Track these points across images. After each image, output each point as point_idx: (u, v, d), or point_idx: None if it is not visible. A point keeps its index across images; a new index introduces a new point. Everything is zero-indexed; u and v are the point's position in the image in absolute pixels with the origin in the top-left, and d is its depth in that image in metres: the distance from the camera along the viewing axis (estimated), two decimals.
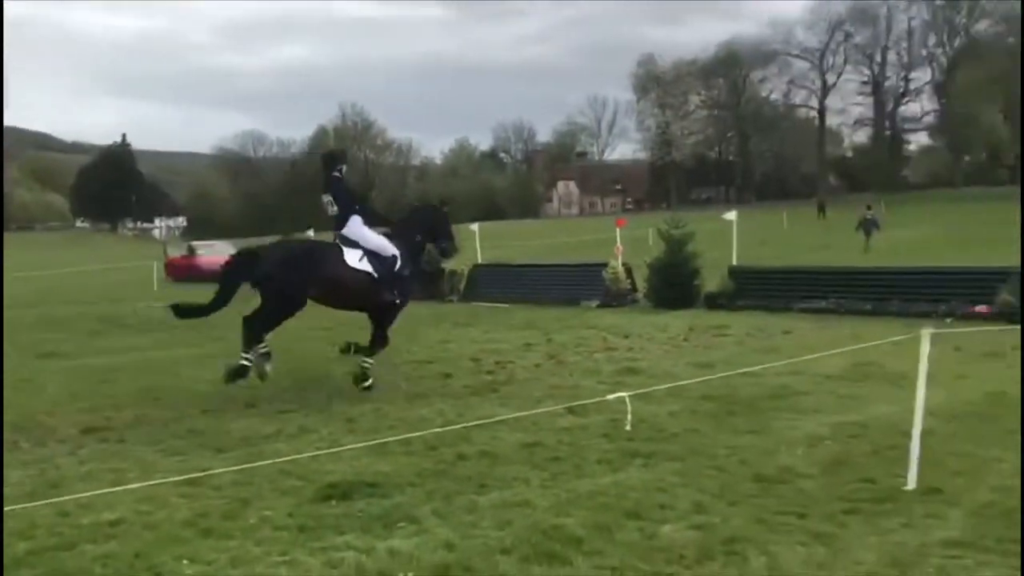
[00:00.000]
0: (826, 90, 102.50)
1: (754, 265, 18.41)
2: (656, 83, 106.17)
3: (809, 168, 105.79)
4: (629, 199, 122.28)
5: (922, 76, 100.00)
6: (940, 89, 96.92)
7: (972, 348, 10.40)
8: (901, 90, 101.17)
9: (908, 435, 5.78)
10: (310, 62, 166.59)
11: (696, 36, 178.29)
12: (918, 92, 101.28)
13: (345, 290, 9.37)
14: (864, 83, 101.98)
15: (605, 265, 18.15)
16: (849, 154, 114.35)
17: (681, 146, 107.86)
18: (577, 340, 12.91)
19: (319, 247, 9.63)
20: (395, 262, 9.61)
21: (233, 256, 9.44)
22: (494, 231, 54.69)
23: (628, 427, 6.14)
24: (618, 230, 18.98)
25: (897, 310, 14.05)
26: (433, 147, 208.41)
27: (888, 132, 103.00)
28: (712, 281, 16.83)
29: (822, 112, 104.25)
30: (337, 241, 9.56)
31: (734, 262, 17.38)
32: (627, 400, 5.51)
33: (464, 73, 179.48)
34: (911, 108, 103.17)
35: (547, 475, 6.15)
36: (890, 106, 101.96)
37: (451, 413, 8.26)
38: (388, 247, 9.62)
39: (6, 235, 74.61)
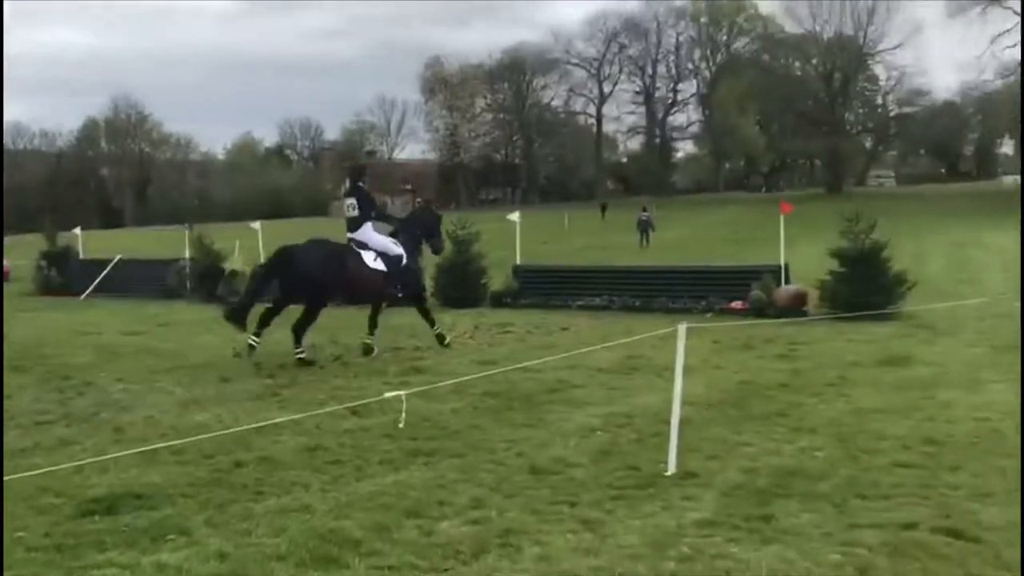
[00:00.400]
0: (603, 98, 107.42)
1: (537, 264, 18.98)
2: (443, 85, 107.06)
3: (588, 172, 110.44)
4: (419, 199, 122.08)
5: (689, 88, 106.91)
6: (704, 101, 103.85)
7: (728, 341, 11.24)
8: (670, 101, 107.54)
9: (669, 423, 6.14)
10: (84, 49, 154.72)
11: (482, 41, 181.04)
12: (685, 103, 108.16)
13: (364, 287, 10.98)
14: (637, 93, 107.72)
15: None
16: (624, 160, 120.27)
17: (469, 148, 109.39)
18: (363, 341, 12.76)
19: (346, 249, 10.93)
20: (400, 260, 11.15)
21: (272, 257, 10.88)
22: (279, 230, 53.16)
23: (401, 425, 6.16)
24: None
25: (664, 306, 14.91)
26: (215, 142, 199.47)
27: (659, 140, 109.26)
28: (498, 280, 17.18)
29: (599, 119, 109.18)
30: (352, 244, 10.88)
31: (518, 261, 17.82)
32: (403, 398, 5.52)
33: (248, 66, 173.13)
34: (679, 118, 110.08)
35: (327, 478, 6.05)
36: (660, 115, 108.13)
37: (229, 419, 7.95)
38: (393, 247, 11.14)
39: None
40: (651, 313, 14.54)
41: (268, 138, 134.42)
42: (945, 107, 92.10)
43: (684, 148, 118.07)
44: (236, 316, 10.64)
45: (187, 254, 21.10)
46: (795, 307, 13.66)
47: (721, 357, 10.32)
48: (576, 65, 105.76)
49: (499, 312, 15.66)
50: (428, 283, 17.58)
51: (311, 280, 10.53)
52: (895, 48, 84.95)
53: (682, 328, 6.24)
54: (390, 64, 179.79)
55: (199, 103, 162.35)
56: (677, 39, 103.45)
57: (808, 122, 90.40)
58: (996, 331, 11.48)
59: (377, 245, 11.08)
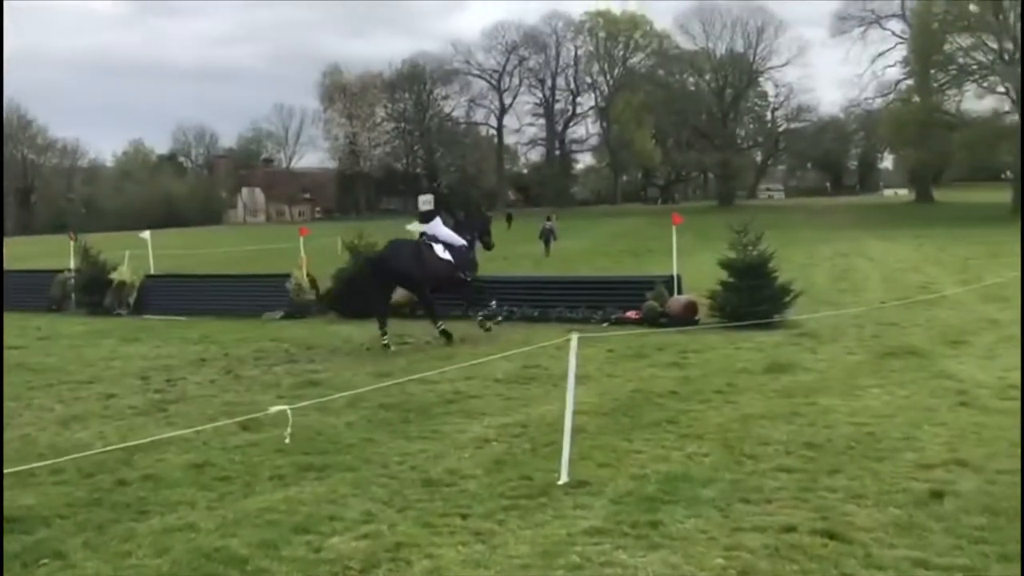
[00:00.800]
0: (504, 110, 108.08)
1: None
2: (343, 93, 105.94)
3: (490, 183, 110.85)
4: (318, 208, 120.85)
5: (587, 101, 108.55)
6: (603, 114, 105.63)
7: (622, 350, 11.43)
8: (569, 113, 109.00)
9: (563, 432, 6.21)
10: None
11: (382, 50, 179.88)
12: (584, 116, 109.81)
13: (438, 274, 12.89)
14: (537, 105, 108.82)
15: (289, 276, 17.74)
16: (525, 171, 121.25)
17: (369, 157, 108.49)
18: (257, 353, 12.52)
19: (423, 245, 12.93)
20: (464, 249, 13.27)
21: (371, 267, 13.16)
22: (171, 239, 51.60)
23: (288, 440, 6.04)
24: (301, 239, 18.65)
25: (562, 316, 15.07)
26: (104, 148, 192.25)
27: (559, 152, 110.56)
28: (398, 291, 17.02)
29: (500, 131, 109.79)
30: (424, 239, 12.93)
31: None
32: (289, 413, 5.42)
33: (136, 71, 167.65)
34: (578, 130, 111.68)
35: (214, 496, 5.89)
36: (560, 128, 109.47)
37: (113, 436, 7.68)
38: (457, 239, 13.26)
39: None
40: (549, 323, 14.66)
41: (161, 145, 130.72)
42: (830, 123, 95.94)
43: (583, 160, 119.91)
44: (383, 328, 12.59)
45: (72, 264, 20.27)
46: (687, 316, 13.99)
47: (615, 366, 10.49)
48: (477, 76, 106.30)
49: (398, 322, 15.51)
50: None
51: (405, 275, 12.82)
52: (783, 66, 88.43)
53: (574, 339, 6.31)
54: (288, 71, 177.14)
55: (84, 108, 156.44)
56: (576, 53, 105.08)
57: (702, 136, 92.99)
58: (875, 339, 11.99)
59: (445, 237, 13.20)
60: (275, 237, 52.89)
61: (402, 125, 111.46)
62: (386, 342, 12.43)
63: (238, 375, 10.77)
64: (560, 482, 5.90)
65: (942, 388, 8.58)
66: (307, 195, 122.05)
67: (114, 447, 6.74)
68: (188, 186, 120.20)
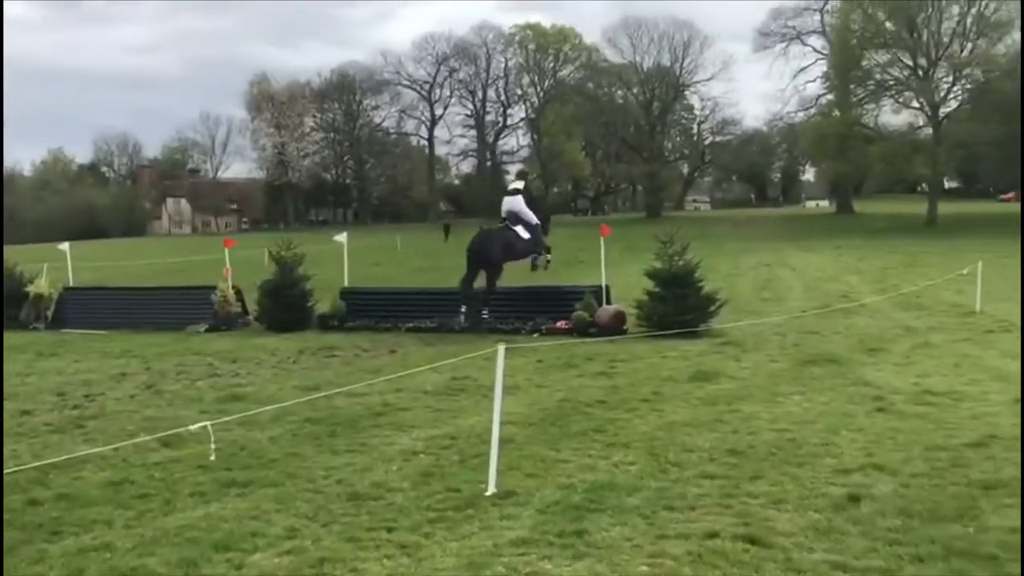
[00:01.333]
0: (434, 121, 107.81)
1: (364, 287, 18.76)
2: (270, 103, 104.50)
3: (421, 194, 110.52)
4: (245, 219, 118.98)
5: (518, 113, 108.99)
6: (533, 126, 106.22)
7: (552, 359, 11.48)
8: (500, 125, 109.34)
9: (491, 443, 6.19)
10: None
11: (310, 60, 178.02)
12: (515, 128, 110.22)
13: (518, 253, 15.53)
14: (468, 116, 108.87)
15: (214, 288, 17.40)
16: (456, 182, 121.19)
17: (298, 167, 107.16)
18: (179, 367, 12.23)
19: (509, 231, 15.36)
20: (537, 228, 15.55)
21: (469, 254, 15.24)
22: (92, 251, 50.22)
23: (212, 457, 5.92)
24: (226, 251, 18.32)
25: (491, 327, 15.05)
26: (22, 157, 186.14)
27: (490, 163, 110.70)
28: (325, 303, 16.85)
29: (431, 141, 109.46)
30: (506, 223, 15.42)
31: (346, 283, 17.57)
32: (210, 430, 5.31)
33: (57, 78, 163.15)
34: (509, 142, 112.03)
35: (132, 514, 5.73)
36: (491, 139, 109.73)
37: (27, 454, 7.41)
38: (533, 217, 15.52)
39: None
40: (479, 334, 14.63)
41: (82, 154, 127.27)
42: (754, 136, 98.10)
43: (515, 171, 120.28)
44: (473, 308, 15.05)
45: None
46: (615, 326, 14.13)
47: (544, 376, 10.53)
48: (407, 87, 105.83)
49: (326, 336, 15.35)
50: (252, 306, 17.12)
51: (494, 260, 15.25)
52: (708, 80, 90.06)
53: (501, 349, 6.32)
54: (213, 80, 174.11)
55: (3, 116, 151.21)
56: (506, 65, 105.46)
57: (630, 148, 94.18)
58: (796, 347, 12.27)
59: (525, 213, 15.47)
60: (200, 248, 51.87)
61: (331, 135, 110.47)
62: (485, 315, 15.10)
63: (160, 390, 10.51)
64: (488, 493, 5.89)
65: (860, 394, 8.81)
66: (234, 206, 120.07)
67: (27, 466, 6.51)
68: (110, 196, 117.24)
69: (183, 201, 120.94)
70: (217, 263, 21.08)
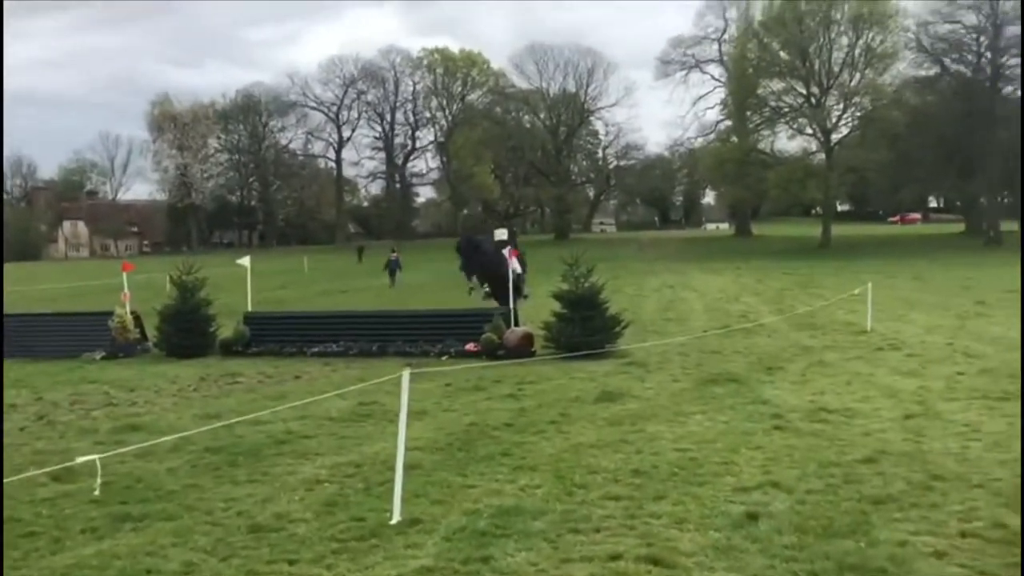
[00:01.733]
0: (342, 143, 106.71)
1: (269, 311, 18.40)
2: (173, 123, 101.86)
3: (328, 216, 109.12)
4: (146, 242, 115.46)
5: (427, 136, 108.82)
6: (442, 148, 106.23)
7: (460, 383, 11.42)
8: (409, 147, 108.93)
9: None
10: None
11: (215, 80, 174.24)
12: (424, 150, 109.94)
13: (508, 271, 15.99)
14: (377, 139, 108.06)
15: (111, 313, 16.77)
16: (365, 204, 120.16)
17: (201, 188, 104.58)
18: (73, 397, 11.72)
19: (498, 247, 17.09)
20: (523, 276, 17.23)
21: (460, 250, 17.38)
22: None
23: (97, 492, 5.68)
24: (124, 275, 17.69)
25: (401, 351, 14.93)
26: None
27: (399, 185, 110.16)
28: (228, 328, 16.44)
29: (339, 163, 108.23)
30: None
31: (249, 308, 17.17)
32: (98, 463, 5.08)
33: None
34: (418, 164, 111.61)
35: (18, 554, 5.44)
36: (400, 161, 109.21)
37: None
38: (519, 267, 16.77)
39: None
40: (388, 358, 14.48)
41: None
42: (657, 161, 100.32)
43: (424, 193, 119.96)
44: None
45: None
46: (523, 348, 14.16)
47: (453, 400, 10.46)
48: (314, 108, 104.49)
49: (228, 362, 14.95)
50: (152, 332, 16.57)
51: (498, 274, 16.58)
52: (612, 106, 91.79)
53: (406, 374, 6.25)
54: (113, 99, 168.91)
55: None
56: (414, 88, 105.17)
57: (538, 172, 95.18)
58: (699, 366, 12.52)
59: (515, 266, 16.45)
60: (98, 273, 50.06)
61: (236, 156, 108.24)
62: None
63: (52, 421, 10.05)
64: (393, 521, 5.79)
65: (759, 413, 9.03)
66: (134, 228, 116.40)
67: None
68: (3, 219, 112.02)
69: (81, 224, 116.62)
70: (115, 287, 20.37)
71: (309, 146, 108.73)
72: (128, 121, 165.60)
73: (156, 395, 11.82)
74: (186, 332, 15.98)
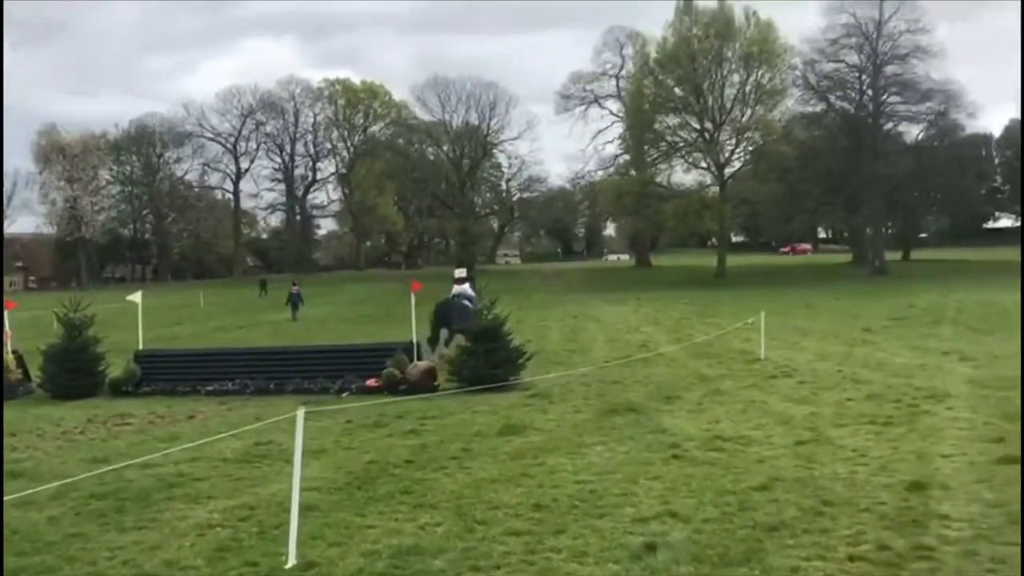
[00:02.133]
0: (240, 174, 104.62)
1: (161, 349, 17.83)
2: (61, 154, 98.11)
3: (226, 249, 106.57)
4: (32, 277, 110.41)
5: (328, 167, 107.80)
6: (344, 180, 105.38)
7: (361, 420, 11.25)
8: (310, 179, 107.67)
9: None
10: None
11: (106, 110, 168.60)
12: (325, 182, 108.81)
13: (470, 318, 16.23)
14: (276, 170, 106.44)
15: None
16: (264, 236, 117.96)
17: (92, 222, 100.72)
18: None
19: (462, 301, 17.71)
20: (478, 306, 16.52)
21: (435, 316, 17.93)
22: None
23: None
24: (6, 313, 16.86)
25: (300, 388, 14.63)
26: None
27: (299, 217, 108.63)
28: (118, 366, 15.82)
29: (237, 195, 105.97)
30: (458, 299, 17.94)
31: (140, 346, 16.60)
32: None
33: None
34: (319, 196, 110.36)
35: None
36: (301, 193, 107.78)
37: None
38: (476, 300, 17.29)
39: None
40: (286, 396, 14.16)
41: None
42: (559, 193, 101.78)
43: (325, 225, 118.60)
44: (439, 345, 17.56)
45: None
46: (426, 382, 14.07)
47: (352, 437, 10.29)
48: (211, 139, 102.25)
49: (118, 402, 14.38)
50: (36, 373, 15.84)
51: (451, 321, 17.47)
52: (515, 139, 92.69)
53: (300, 413, 6.12)
54: None
55: None
56: (315, 119, 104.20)
57: (442, 204, 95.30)
58: (600, 397, 12.66)
59: (472, 298, 17.79)
60: None
61: (129, 188, 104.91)
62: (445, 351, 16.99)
63: None
64: (288, 566, 5.64)
65: (657, 442, 9.17)
66: (19, 263, 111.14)
67: None
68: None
69: None
70: None
71: (206, 177, 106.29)
72: (13, 152, 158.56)
73: (39, 439, 11.26)
74: (73, 372, 15.33)
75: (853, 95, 66.28)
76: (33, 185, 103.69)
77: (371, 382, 14.54)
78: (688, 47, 67.14)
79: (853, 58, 64.73)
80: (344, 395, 14.12)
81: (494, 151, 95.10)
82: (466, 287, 18.66)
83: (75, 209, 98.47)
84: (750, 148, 69.09)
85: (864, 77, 64.78)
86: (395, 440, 10.04)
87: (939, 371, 13.94)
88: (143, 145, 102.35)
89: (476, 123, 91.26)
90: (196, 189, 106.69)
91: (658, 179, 74.16)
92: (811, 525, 6.14)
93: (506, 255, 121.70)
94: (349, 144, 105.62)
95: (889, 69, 63.36)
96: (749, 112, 67.79)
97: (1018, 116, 77.31)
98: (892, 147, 65.47)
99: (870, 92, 64.57)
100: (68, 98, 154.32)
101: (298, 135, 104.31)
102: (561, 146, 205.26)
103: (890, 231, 76.52)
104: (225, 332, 31.56)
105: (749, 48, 66.32)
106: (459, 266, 22.13)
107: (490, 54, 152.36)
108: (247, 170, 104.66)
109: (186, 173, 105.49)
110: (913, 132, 68.12)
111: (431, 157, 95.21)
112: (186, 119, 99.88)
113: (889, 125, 66.32)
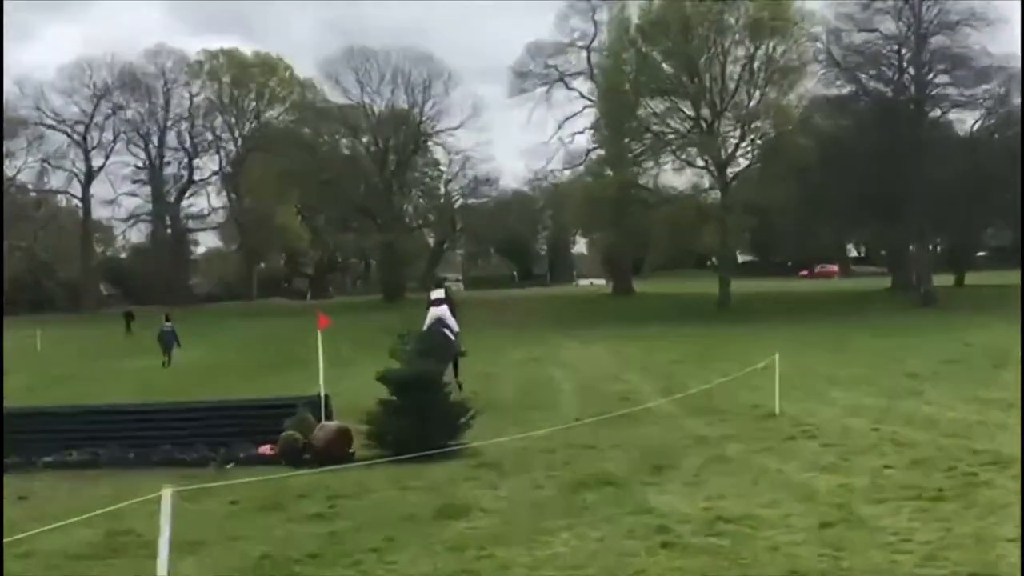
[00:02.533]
0: (92, 174, 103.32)
1: None
2: None
3: (72, 272, 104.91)
4: None
5: (209, 165, 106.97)
6: (230, 182, 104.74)
7: (251, 500, 11.20)
8: (185, 180, 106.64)
9: None
10: None
11: None
12: (205, 184, 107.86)
13: (452, 352, 19.87)
14: (140, 168, 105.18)
15: None
16: (123, 255, 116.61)
17: None
18: None
19: (441, 331, 19.83)
20: (459, 334, 20.69)
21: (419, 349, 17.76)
22: None
23: None
24: None
25: (169, 458, 14.48)
26: None
27: (170, 230, 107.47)
28: None
29: (87, 201, 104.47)
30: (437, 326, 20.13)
31: None
32: None
33: None
34: (198, 202, 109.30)
35: None
36: (172, 199, 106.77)
37: None
38: (456, 325, 20.69)
39: None
40: (152, 469, 14.02)
41: None
42: (514, 199, 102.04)
43: (205, 242, 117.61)
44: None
45: None
46: (337, 450, 14.00)
47: (240, 523, 10.24)
48: (53, 127, 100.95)
49: None
50: None
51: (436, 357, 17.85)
52: (456, 128, 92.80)
53: (166, 494, 6.06)
54: None
55: None
56: (192, 101, 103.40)
57: (361, 213, 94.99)
58: (567, 466, 12.72)
59: (451, 323, 20.38)
60: None
61: None
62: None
63: None
64: None
65: (641, 525, 9.22)
66: None
67: None
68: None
69: None
70: None
71: (45, 178, 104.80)
72: None
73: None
74: None
75: (890, 74, 66.46)
76: None
77: (265, 449, 14.50)
78: (680, 11, 67.62)
79: (890, 26, 64.81)
80: (229, 467, 14.00)
81: (429, 144, 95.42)
82: (444, 310, 20.21)
83: None
84: (759, 141, 69.67)
85: (904, 51, 64.96)
86: (296, 527, 10.00)
87: (1002, 429, 14.22)
88: None
89: (405, 107, 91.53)
90: (32, 193, 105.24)
91: (642, 180, 74.40)
92: None
93: (446, 279, 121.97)
94: (237, 135, 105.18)
95: (936, 40, 63.43)
96: (758, 95, 68.44)
97: None
98: (940, 140, 65.80)
99: (911, 70, 64.74)
100: None
101: (169, 123, 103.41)
102: (517, 138, 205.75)
103: (939, 248, 77.64)
104: (69, 384, 31.05)
105: (758, 13, 66.61)
106: (436, 287, 23.54)
107: (424, 19, 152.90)
108: (101, 168, 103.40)
109: (18, 172, 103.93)
110: (967, 121, 68.64)
111: (346, 151, 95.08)
112: (20, 101, 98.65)
113: (936, 112, 66.68)
